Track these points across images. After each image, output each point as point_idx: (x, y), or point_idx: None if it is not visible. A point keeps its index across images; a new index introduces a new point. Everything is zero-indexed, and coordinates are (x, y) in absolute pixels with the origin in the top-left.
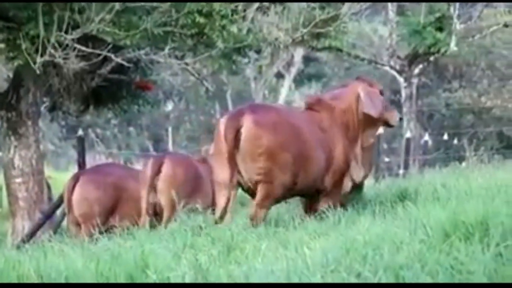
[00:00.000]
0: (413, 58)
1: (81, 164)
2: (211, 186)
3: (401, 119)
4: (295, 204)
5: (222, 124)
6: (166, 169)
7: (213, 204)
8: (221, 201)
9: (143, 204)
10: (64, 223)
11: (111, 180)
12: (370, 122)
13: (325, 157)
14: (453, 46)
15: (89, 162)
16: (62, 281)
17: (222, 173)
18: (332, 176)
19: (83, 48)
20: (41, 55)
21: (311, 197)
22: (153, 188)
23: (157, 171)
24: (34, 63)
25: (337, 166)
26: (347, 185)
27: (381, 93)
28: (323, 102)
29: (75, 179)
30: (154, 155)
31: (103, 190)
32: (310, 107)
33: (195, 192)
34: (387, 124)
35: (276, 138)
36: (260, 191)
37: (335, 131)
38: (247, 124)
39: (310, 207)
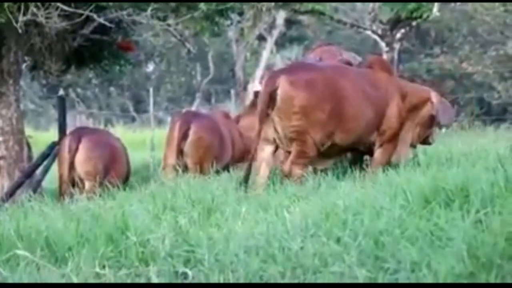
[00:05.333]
0: (395, 23)
1: (62, 124)
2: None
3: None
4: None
5: (263, 84)
6: (192, 135)
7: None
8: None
9: (168, 162)
10: (44, 183)
11: (107, 139)
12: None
13: (375, 113)
14: (435, 12)
15: (70, 122)
16: (42, 241)
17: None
18: (382, 133)
19: (66, 8)
20: (24, 14)
21: (366, 153)
22: (180, 151)
23: (184, 136)
24: (16, 21)
25: (387, 125)
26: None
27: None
28: (384, 63)
29: (77, 139)
30: (181, 117)
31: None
32: (370, 66)
33: (218, 155)
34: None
35: (309, 98)
36: (293, 149)
37: (391, 90)
38: (282, 85)
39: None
